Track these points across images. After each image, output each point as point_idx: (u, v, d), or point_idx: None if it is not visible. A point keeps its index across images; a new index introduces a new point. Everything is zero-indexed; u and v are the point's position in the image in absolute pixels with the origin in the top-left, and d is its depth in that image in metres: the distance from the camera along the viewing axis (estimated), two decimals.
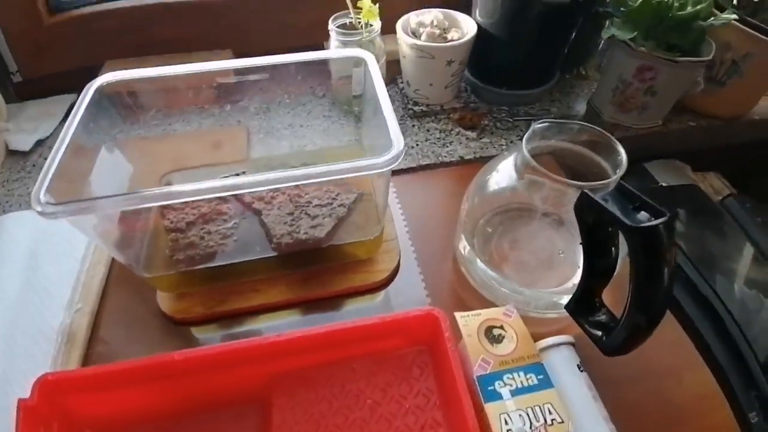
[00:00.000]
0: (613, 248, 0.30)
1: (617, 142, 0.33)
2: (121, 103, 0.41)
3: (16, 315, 0.39)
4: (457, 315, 0.34)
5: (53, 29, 0.60)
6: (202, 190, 0.29)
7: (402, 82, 0.64)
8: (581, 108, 0.65)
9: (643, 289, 0.28)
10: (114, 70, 0.62)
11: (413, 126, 0.61)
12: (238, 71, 0.44)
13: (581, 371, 0.32)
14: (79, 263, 0.42)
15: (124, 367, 0.31)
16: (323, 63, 0.63)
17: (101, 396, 0.32)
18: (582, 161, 0.36)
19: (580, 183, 0.30)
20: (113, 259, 0.44)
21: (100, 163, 0.37)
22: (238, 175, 0.45)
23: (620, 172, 0.31)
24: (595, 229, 0.30)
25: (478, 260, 0.39)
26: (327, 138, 0.59)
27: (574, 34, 0.58)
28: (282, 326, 0.41)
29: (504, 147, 0.56)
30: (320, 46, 0.67)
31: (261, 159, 0.51)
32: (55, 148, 0.32)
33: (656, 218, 0.27)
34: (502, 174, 0.39)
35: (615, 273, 0.31)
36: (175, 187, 0.29)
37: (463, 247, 0.41)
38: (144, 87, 0.43)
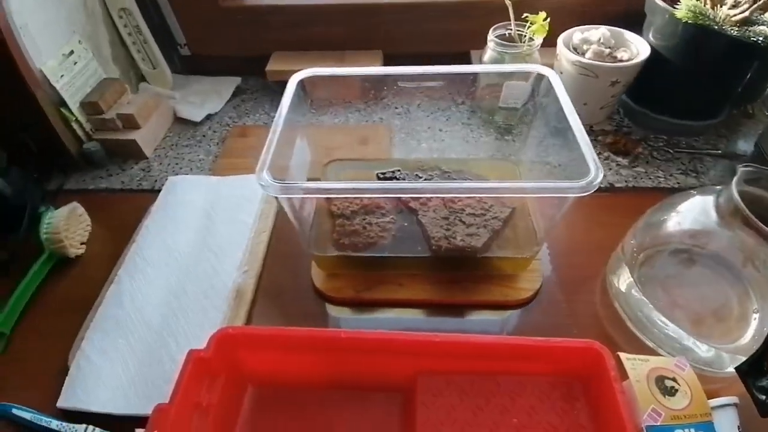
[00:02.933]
0: None
1: None
2: (306, 95, 0.44)
3: (190, 270, 0.44)
4: (623, 356, 0.32)
5: (226, 13, 0.67)
6: (404, 189, 0.31)
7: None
8: (747, 148, 0.58)
9: None
10: (279, 61, 0.69)
11: (555, 144, 0.59)
12: (413, 77, 0.44)
13: (740, 431, 0.30)
14: (248, 230, 0.47)
15: (296, 334, 0.34)
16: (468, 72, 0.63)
17: (268, 355, 0.35)
18: None
19: None
20: (272, 231, 0.48)
21: (296, 148, 0.41)
22: (394, 172, 0.47)
23: None
24: None
25: (641, 297, 0.37)
26: (466, 146, 0.60)
27: (749, 74, 0.52)
28: (416, 322, 0.42)
29: (661, 180, 0.52)
30: (466, 53, 0.68)
31: (410, 160, 0.53)
32: (272, 131, 0.35)
33: None
34: (685, 215, 0.36)
35: None
36: (388, 184, 0.31)
37: (622, 281, 0.39)
38: (325, 83, 0.45)
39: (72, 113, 0.55)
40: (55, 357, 0.41)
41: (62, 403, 0.38)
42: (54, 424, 0.38)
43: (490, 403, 0.34)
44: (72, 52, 0.57)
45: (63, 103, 0.55)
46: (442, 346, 0.34)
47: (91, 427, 0.37)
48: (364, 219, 0.42)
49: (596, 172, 0.30)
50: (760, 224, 0.29)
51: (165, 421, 0.30)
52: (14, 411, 0.39)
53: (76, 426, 0.37)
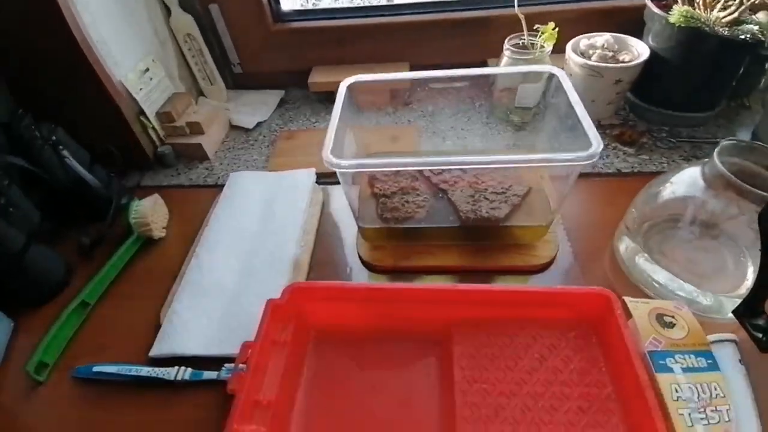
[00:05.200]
0: None
1: None
2: (351, 99, 0.52)
3: (257, 246, 0.52)
4: (627, 299, 0.38)
5: (275, 36, 0.77)
6: (443, 162, 0.38)
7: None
8: (745, 136, 0.64)
9: None
10: (319, 74, 0.78)
11: (567, 137, 0.66)
12: (442, 80, 0.52)
13: (741, 364, 0.35)
14: (302, 213, 0.55)
15: (350, 287, 0.42)
16: (486, 76, 0.71)
17: (325, 306, 0.43)
18: (761, 184, 0.38)
19: None
20: (321, 215, 0.56)
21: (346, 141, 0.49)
22: None
23: None
24: None
25: (647, 260, 0.43)
26: (486, 142, 0.67)
27: (741, 69, 0.58)
28: None
29: (665, 165, 0.58)
30: (484, 62, 0.76)
31: (438, 151, 0.60)
32: (330, 123, 0.43)
33: None
34: (678, 186, 0.42)
35: None
36: (419, 158, 0.38)
37: (628, 248, 0.45)
38: (362, 91, 0.53)
39: (149, 121, 0.66)
40: (141, 318, 0.48)
41: (155, 352, 0.44)
42: (144, 371, 0.42)
43: (513, 341, 0.40)
44: (147, 69, 0.67)
45: (142, 113, 0.65)
46: (472, 294, 0.41)
47: (182, 368, 0.42)
48: (402, 198, 0.50)
49: (597, 145, 0.37)
50: (739, 182, 0.35)
51: (252, 353, 0.37)
52: (95, 369, 0.42)
53: (168, 369, 0.42)
